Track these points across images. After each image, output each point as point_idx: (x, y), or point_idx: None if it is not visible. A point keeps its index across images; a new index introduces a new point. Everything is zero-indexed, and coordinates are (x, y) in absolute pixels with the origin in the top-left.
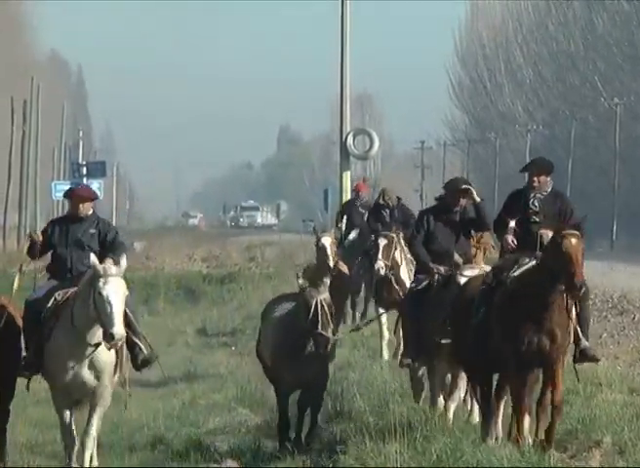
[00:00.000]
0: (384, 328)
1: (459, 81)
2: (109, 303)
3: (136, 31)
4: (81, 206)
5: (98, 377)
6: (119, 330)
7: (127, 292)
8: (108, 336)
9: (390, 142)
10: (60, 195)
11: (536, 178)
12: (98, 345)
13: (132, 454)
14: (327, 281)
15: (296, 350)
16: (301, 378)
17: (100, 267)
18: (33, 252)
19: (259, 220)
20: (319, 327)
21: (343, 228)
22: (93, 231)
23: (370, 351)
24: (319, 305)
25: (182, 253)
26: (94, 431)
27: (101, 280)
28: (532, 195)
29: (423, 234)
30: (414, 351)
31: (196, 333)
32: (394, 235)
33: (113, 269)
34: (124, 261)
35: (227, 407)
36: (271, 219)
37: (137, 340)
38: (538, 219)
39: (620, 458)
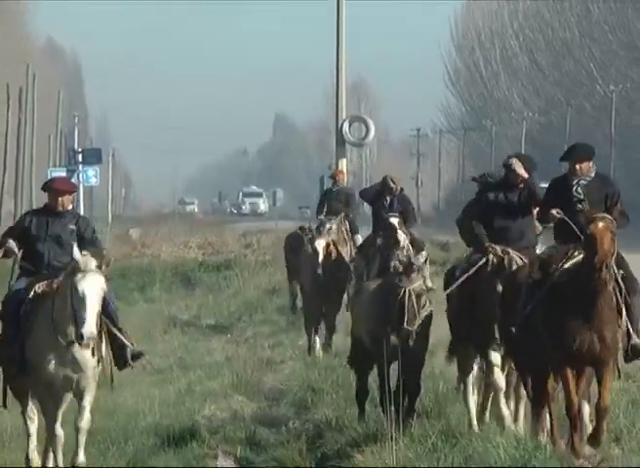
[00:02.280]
0: None
1: (454, 68)
2: (83, 300)
3: (133, 17)
4: (60, 199)
5: (80, 372)
6: (89, 329)
7: (105, 289)
8: (77, 336)
9: (386, 130)
10: None
11: (577, 166)
12: (72, 343)
13: (127, 441)
14: (425, 266)
15: (388, 326)
16: (396, 353)
17: (80, 260)
18: (8, 256)
19: (262, 207)
20: (404, 320)
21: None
22: (72, 227)
23: None
24: (406, 296)
25: (178, 241)
26: (85, 426)
27: (79, 275)
28: (575, 182)
29: (481, 212)
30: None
31: (192, 321)
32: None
33: (93, 264)
34: (108, 259)
35: (223, 394)
36: (266, 206)
37: (121, 337)
38: (583, 207)
39: (615, 445)
